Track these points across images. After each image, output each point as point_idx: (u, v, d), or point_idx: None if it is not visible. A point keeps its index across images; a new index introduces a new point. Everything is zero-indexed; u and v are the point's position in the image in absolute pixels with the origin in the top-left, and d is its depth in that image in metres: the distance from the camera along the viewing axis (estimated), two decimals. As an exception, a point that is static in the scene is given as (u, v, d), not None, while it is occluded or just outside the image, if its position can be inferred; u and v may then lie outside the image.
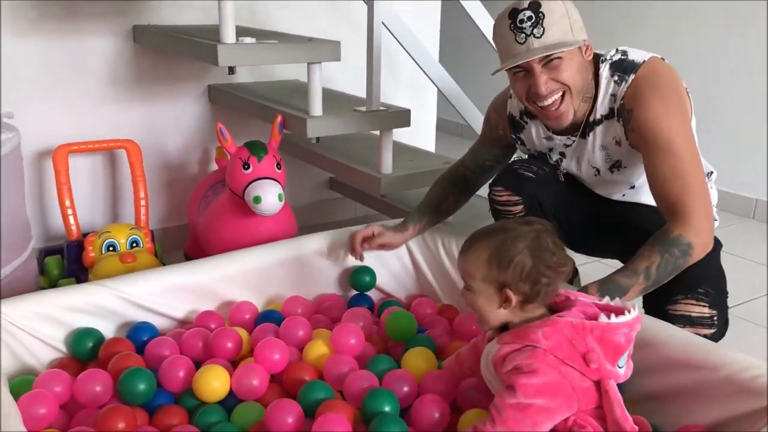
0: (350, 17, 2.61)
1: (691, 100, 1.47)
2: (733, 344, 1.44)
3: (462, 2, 2.36)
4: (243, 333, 1.52)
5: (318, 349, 1.44)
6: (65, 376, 1.31)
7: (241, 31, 1.95)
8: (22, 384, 1.31)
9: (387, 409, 1.25)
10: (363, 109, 2.09)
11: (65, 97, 2.23)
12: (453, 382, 1.33)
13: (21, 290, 1.64)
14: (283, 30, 2.42)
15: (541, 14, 1.35)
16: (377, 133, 2.10)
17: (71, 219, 2.07)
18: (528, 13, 1.35)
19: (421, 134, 2.96)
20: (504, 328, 1.19)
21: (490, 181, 1.69)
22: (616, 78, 1.44)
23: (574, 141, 1.54)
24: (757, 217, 3.03)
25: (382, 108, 2.10)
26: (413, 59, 2.20)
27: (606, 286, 1.31)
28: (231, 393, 1.34)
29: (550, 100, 1.42)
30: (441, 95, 2.40)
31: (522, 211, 1.61)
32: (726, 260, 1.50)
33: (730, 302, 1.49)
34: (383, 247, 1.74)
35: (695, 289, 1.41)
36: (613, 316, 1.14)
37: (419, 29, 2.72)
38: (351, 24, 2.60)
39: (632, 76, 1.42)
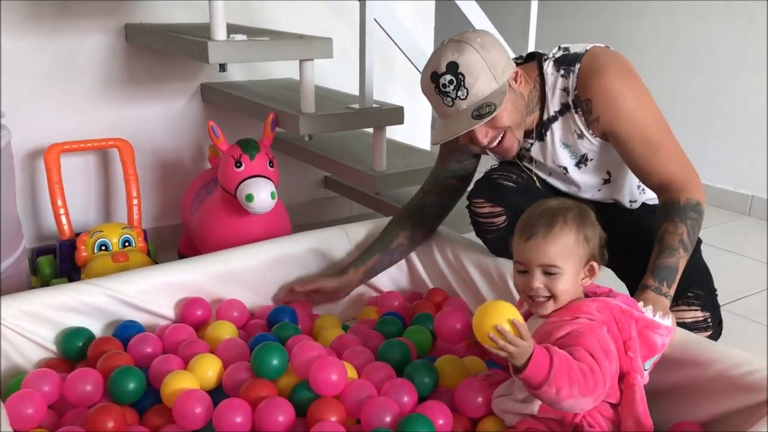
0: (346, 14, 2.59)
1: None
2: (730, 341, 1.43)
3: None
4: (231, 327, 1.51)
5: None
6: (54, 376, 1.30)
7: (233, 29, 1.94)
8: (18, 385, 1.30)
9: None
10: (356, 106, 2.08)
11: (57, 96, 2.22)
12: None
13: (12, 290, 1.62)
14: (279, 28, 2.41)
15: (461, 76, 1.33)
16: (372, 130, 2.09)
17: (63, 219, 2.05)
18: (448, 77, 1.34)
19: (416, 131, 2.95)
20: None
21: (468, 193, 1.63)
22: (562, 72, 1.44)
23: (532, 144, 1.54)
24: (753, 213, 3.02)
25: (375, 105, 2.09)
26: (406, 56, 2.19)
27: (660, 272, 1.32)
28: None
29: (493, 144, 1.43)
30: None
31: (505, 222, 1.56)
32: (722, 257, 1.50)
33: (726, 299, 1.48)
34: (317, 292, 1.66)
35: (684, 294, 1.40)
36: (658, 315, 1.18)
37: (413, 26, 2.72)
38: (347, 21, 2.58)
39: (577, 65, 1.43)
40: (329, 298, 1.70)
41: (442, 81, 1.35)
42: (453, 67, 1.33)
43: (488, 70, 1.34)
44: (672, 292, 1.32)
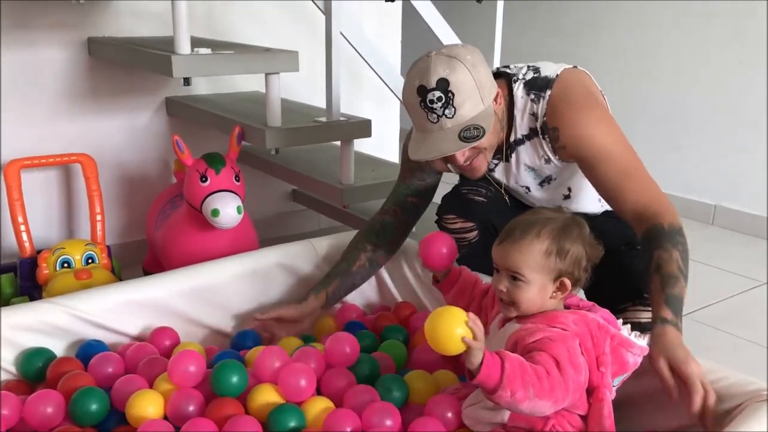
0: (313, 28, 2.59)
1: (605, 99, 1.49)
2: (694, 349, 1.44)
3: (417, 7, 2.35)
4: (197, 348, 1.49)
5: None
6: (13, 398, 1.26)
7: (197, 42, 1.92)
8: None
9: None
10: (323, 119, 2.08)
11: (17, 110, 2.18)
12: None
13: (-30, 310, 1.58)
14: (244, 41, 2.39)
15: (450, 94, 1.30)
16: (339, 143, 2.09)
17: (24, 236, 2.01)
18: (437, 93, 1.30)
19: (384, 144, 2.95)
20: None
21: (438, 209, 1.61)
22: (532, 96, 1.43)
23: (497, 164, 1.54)
24: (716, 223, 3.08)
25: (342, 118, 2.09)
26: (372, 69, 2.20)
27: (674, 305, 1.22)
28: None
29: (467, 163, 1.41)
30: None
31: (476, 237, 1.56)
32: (686, 266, 1.50)
33: (690, 308, 1.50)
34: (280, 321, 1.59)
35: (641, 295, 1.41)
36: (634, 335, 1.17)
37: (380, 39, 2.73)
38: (314, 34, 2.58)
39: (548, 92, 1.41)
40: (293, 329, 1.62)
41: (430, 97, 1.31)
42: (443, 84, 1.30)
43: (477, 91, 1.32)
44: (681, 323, 1.25)
